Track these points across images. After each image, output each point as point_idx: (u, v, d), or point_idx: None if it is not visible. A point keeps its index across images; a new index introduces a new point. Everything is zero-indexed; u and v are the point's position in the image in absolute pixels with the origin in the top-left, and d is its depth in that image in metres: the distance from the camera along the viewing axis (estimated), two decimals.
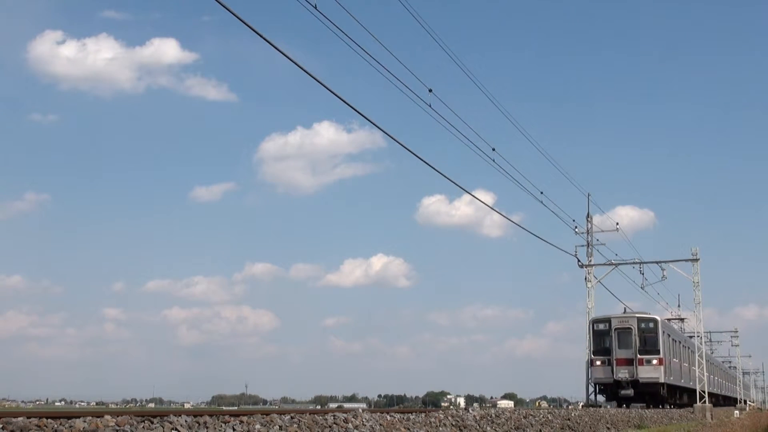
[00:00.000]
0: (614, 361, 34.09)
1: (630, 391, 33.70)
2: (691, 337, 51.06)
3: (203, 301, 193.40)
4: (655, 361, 34.00)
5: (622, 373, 33.81)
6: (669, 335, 37.23)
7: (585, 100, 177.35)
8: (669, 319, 47.09)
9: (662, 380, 34.25)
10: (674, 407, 37.70)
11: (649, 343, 34.32)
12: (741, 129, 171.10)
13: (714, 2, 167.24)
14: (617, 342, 34.29)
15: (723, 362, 76.65)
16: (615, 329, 34.43)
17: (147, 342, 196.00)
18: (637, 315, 35.25)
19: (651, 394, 34.71)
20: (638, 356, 34.05)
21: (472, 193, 26.31)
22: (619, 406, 32.83)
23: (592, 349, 34.95)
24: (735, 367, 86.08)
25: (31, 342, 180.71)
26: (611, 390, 34.82)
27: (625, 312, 36.09)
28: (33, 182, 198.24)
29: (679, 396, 41.64)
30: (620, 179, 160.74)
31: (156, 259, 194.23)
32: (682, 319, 53.12)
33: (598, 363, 34.56)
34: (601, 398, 37.37)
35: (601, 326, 34.90)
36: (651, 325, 34.83)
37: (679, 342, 41.52)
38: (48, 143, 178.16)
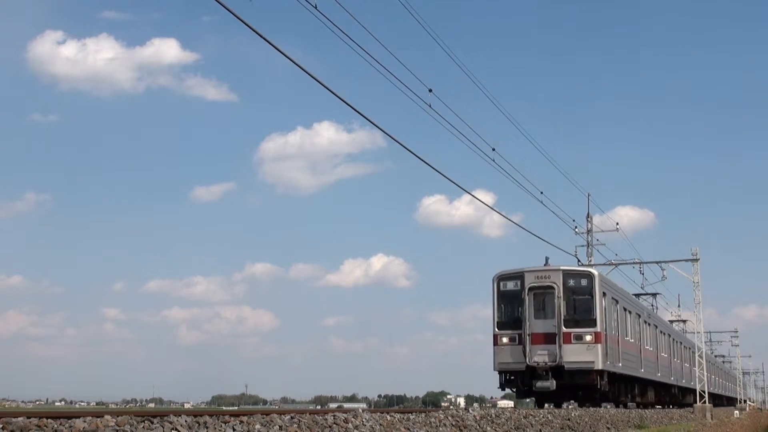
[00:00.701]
0: (528, 338, 23.38)
1: (549, 383, 23.07)
2: (673, 322, 46.61)
3: (203, 301, 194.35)
4: (588, 337, 23.18)
5: (539, 356, 23.22)
6: (616, 300, 26.60)
7: (585, 100, 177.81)
8: (638, 295, 37.94)
9: (599, 366, 23.30)
10: (622, 406, 27.67)
11: (580, 310, 23.74)
12: (741, 129, 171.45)
13: (714, 1, 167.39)
14: (532, 308, 23.64)
15: (716, 357, 76.16)
16: (529, 289, 23.62)
17: (147, 342, 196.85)
18: (562, 268, 24.33)
19: (584, 388, 24.00)
20: (563, 330, 23.21)
21: (472, 193, 26.08)
22: (539, 405, 24.06)
23: (496, 319, 24.24)
24: (729, 363, 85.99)
25: (31, 342, 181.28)
26: (523, 381, 23.93)
27: (546, 264, 24.71)
28: (33, 182, 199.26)
29: (641, 392, 31.68)
30: (620, 179, 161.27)
31: (156, 259, 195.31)
32: (654, 295, 43.26)
33: (505, 340, 23.81)
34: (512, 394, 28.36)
35: (510, 285, 24.13)
36: (584, 282, 23.95)
37: (637, 314, 30.53)
38: (48, 143, 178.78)
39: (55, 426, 6.38)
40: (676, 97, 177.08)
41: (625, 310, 27.87)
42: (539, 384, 23.19)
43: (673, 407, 37.83)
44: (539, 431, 15.80)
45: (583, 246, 38.26)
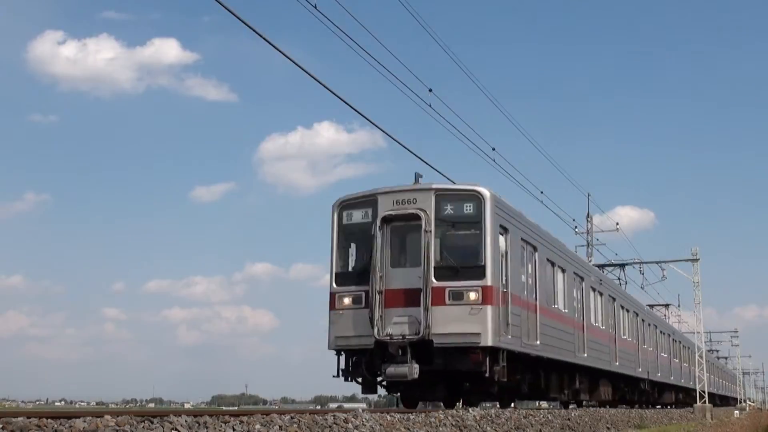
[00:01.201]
0: (378, 297, 14.80)
1: (407, 369, 14.30)
2: (653, 306, 41.99)
3: (203, 301, 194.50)
4: (472, 295, 14.52)
5: (395, 326, 14.62)
6: (533, 247, 17.51)
7: (585, 100, 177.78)
8: (601, 266, 32.40)
9: (489, 340, 14.43)
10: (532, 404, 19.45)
11: (460, 252, 15.08)
12: (741, 128, 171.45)
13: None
14: (388, 250, 15.21)
15: (709, 352, 75.27)
16: (384, 220, 15.14)
17: (147, 342, 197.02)
18: (435, 186, 15.33)
19: (468, 377, 15.30)
20: (434, 283, 14.57)
21: None
22: (408, 404, 16.01)
23: (334, 270, 16.16)
24: (724, 359, 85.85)
25: (31, 342, 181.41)
26: (370, 366, 15.26)
27: (416, 182, 15.67)
28: (33, 182, 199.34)
29: (590, 387, 23.08)
30: (620, 179, 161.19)
31: (156, 259, 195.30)
32: (623, 266, 37.50)
33: (346, 302, 15.67)
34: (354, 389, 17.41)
35: (358, 215, 15.91)
36: (468, 208, 15.09)
37: (577, 275, 21.47)
38: (48, 143, 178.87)
39: (55, 426, 6.38)
40: (676, 97, 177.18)
41: (552, 264, 18.86)
42: (391, 370, 14.49)
43: (647, 407, 34.41)
44: (539, 431, 15.80)
45: (583, 246, 38.23)
